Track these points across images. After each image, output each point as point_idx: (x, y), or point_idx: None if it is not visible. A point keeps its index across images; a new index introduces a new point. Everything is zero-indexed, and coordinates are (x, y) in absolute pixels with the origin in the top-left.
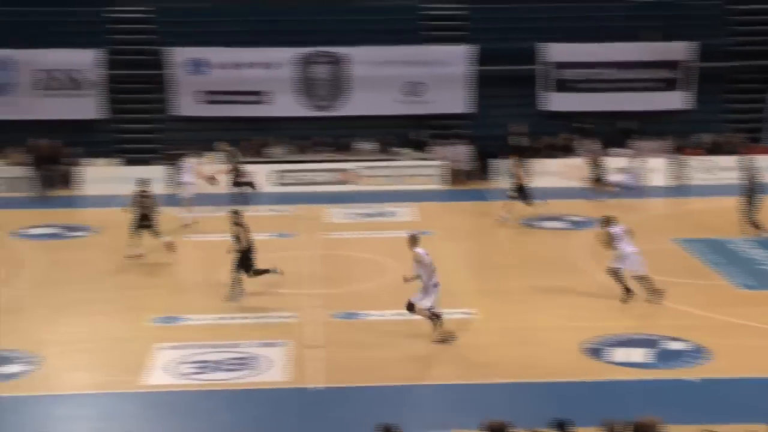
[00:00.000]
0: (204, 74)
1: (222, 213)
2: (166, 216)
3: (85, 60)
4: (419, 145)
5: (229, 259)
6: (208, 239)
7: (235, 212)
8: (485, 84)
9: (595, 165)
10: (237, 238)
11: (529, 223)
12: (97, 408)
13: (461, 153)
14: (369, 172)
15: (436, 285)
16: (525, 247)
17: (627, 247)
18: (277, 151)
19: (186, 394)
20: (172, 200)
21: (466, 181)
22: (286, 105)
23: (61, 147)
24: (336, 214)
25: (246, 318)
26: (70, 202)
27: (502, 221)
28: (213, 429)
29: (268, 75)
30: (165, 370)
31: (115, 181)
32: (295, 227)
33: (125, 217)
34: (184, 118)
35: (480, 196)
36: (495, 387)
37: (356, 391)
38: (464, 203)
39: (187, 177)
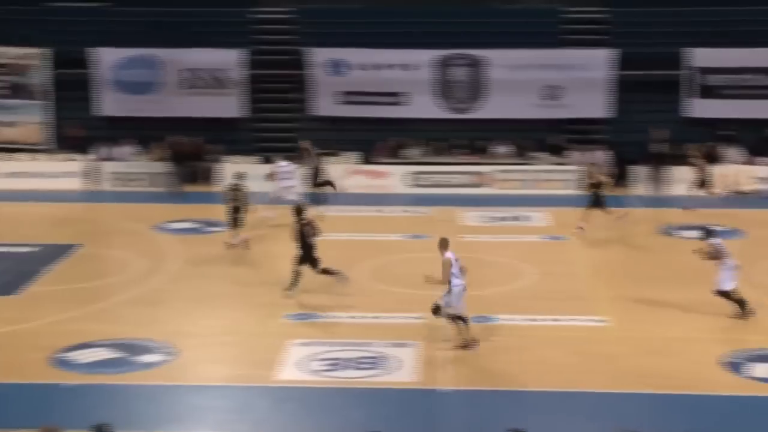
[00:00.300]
0: (343, 75)
1: (354, 213)
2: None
3: (229, 60)
4: (557, 150)
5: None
6: (342, 238)
7: (299, 209)
8: (625, 89)
9: (703, 171)
10: (300, 234)
11: (668, 232)
12: (230, 400)
13: (599, 158)
14: (504, 175)
15: (463, 289)
16: (661, 255)
17: (729, 260)
18: (412, 152)
19: (317, 390)
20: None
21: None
22: (423, 106)
23: (202, 144)
24: (470, 216)
25: (378, 317)
26: (210, 198)
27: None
28: (343, 426)
29: (406, 76)
30: (297, 366)
31: (254, 178)
32: (429, 229)
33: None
34: (322, 118)
35: (616, 202)
36: (628, 396)
37: (486, 394)
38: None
39: (286, 177)
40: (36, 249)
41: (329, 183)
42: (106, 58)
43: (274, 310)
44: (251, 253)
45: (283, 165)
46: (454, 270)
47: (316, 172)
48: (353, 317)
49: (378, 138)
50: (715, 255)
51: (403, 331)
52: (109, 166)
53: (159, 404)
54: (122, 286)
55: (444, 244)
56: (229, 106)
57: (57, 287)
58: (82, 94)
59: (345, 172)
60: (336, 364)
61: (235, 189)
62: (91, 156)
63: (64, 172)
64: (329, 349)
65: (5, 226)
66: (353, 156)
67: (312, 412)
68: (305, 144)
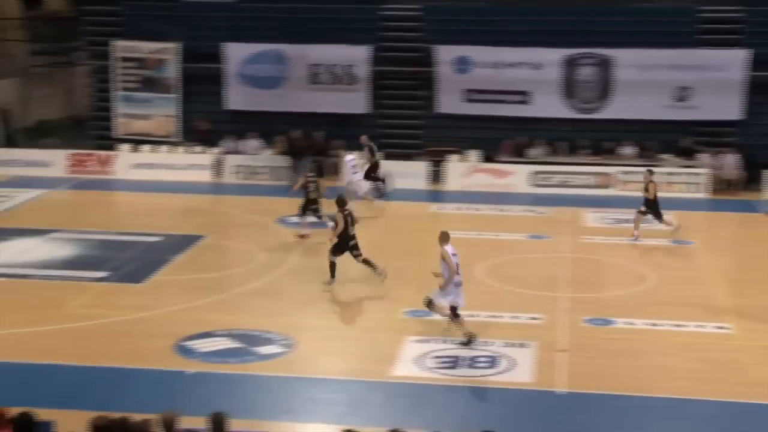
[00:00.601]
0: (468, 73)
1: (475, 211)
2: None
3: (356, 56)
4: (687, 153)
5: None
6: (462, 236)
7: (341, 200)
8: (756, 90)
9: None
10: (335, 224)
11: None
12: (345, 394)
13: (729, 161)
14: (629, 177)
15: (458, 284)
16: None
17: None
18: (536, 151)
19: (432, 387)
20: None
21: (732, 190)
22: (549, 106)
23: (322, 139)
24: (592, 218)
25: (495, 317)
26: (333, 193)
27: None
28: (457, 424)
29: (531, 75)
30: (413, 362)
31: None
32: (550, 229)
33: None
34: (446, 116)
35: (747, 207)
36: (755, 407)
37: (601, 398)
38: (729, 214)
39: (352, 172)
40: (163, 239)
41: (381, 180)
42: (235, 53)
43: (392, 305)
44: (371, 248)
45: (350, 159)
46: (449, 264)
47: (373, 167)
48: (471, 315)
49: (501, 137)
50: None
51: (521, 331)
52: (234, 159)
53: (275, 395)
54: (244, 278)
55: (444, 238)
56: (354, 102)
57: (181, 277)
58: (209, 88)
59: (467, 170)
60: (453, 361)
61: (309, 180)
62: (218, 149)
63: (192, 164)
64: (446, 346)
65: (135, 215)
66: (476, 154)
67: (425, 409)
68: (364, 139)
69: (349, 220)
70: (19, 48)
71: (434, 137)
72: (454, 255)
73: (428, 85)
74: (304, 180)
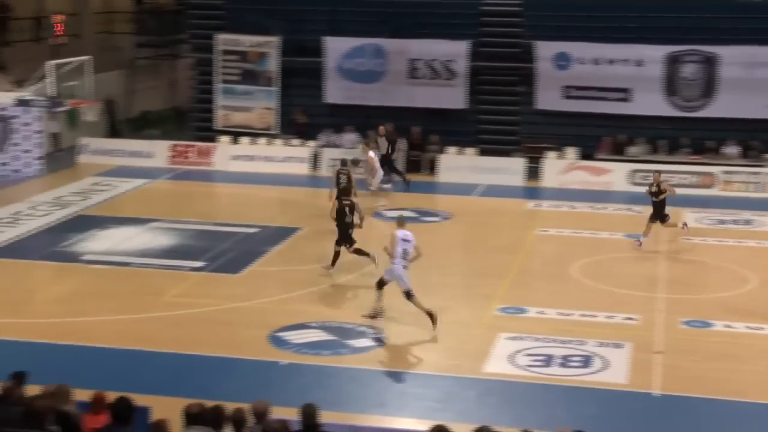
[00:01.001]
0: (568, 69)
1: (572, 209)
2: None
3: (456, 51)
4: None
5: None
6: (558, 234)
7: (345, 189)
8: None
9: None
10: (341, 214)
11: None
12: (436, 389)
13: None
14: (730, 177)
15: (405, 267)
16: None
17: None
18: (635, 150)
19: (523, 385)
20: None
21: None
22: (650, 103)
23: (418, 134)
24: (692, 218)
25: (589, 316)
26: (431, 188)
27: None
28: (547, 423)
29: (633, 72)
30: (506, 359)
31: (470, 170)
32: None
33: (477, 205)
34: (544, 112)
35: None
36: None
37: (697, 402)
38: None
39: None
40: (259, 230)
41: (400, 173)
42: (335, 47)
43: (486, 301)
44: (468, 243)
45: (372, 154)
46: (398, 248)
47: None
48: (564, 314)
49: (600, 134)
50: None
51: (616, 331)
52: (331, 153)
53: (367, 388)
54: (338, 270)
55: (400, 224)
56: (453, 97)
57: (277, 268)
58: (308, 81)
59: (565, 167)
60: (546, 360)
61: (342, 173)
62: (316, 142)
63: (289, 156)
64: (539, 344)
65: (233, 207)
66: (573, 151)
67: (516, 407)
68: (381, 129)
69: (347, 210)
70: (127, 41)
71: (531, 134)
72: (405, 241)
73: (527, 80)
74: (337, 172)
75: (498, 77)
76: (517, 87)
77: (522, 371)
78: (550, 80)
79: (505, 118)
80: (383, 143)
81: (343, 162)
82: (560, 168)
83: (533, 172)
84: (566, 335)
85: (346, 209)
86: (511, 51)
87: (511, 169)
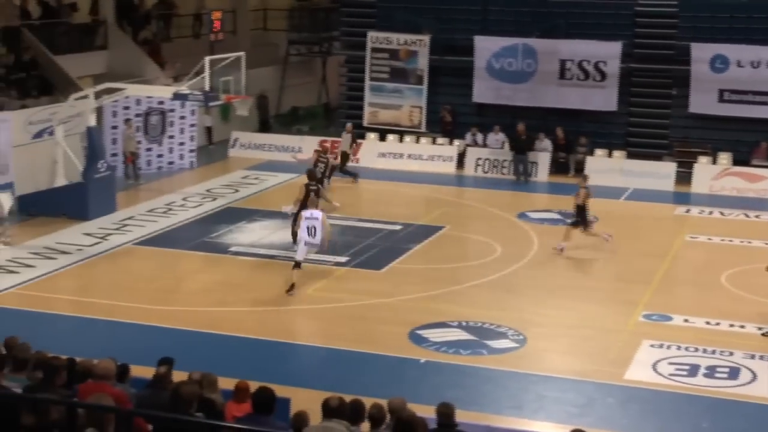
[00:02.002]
0: (724, 72)
1: (723, 216)
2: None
3: (608, 52)
4: None
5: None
6: (708, 241)
7: (312, 173)
8: None
9: None
10: (305, 198)
11: None
12: (574, 393)
13: None
14: None
15: (302, 239)
16: None
17: None
18: None
19: (666, 394)
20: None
21: None
22: None
23: (563, 135)
24: None
25: (739, 326)
26: (575, 190)
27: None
28: None
29: None
30: (649, 366)
31: (618, 172)
32: None
33: (625, 209)
34: (697, 116)
35: None
36: None
37: None
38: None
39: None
40: (403, 227)
41: (354, 175)
42: (485, 46)
43: (631, 307)
44: (614, 247)
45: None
46: (303, 224)
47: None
48: (711, 323)
49: (756, 139)
50: None
51: (765, 342)
52: (478, 152)
53: (504, 390)
54: (481, 270)
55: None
56: (604, 98)
57: (419, 266)
58: (455, 80)
59: (718, 172)
60: (690, 369)
61: (321, 160)
62: (462, 141)
63: (436, 155)
64: (684, 353)
65: (377, 203)
66: (727, 156)
67: (658, 416)
68: (349, 127)
69: (312, 195)
70: (281, 37)
71: (683, 137)
72: (312, 219)
73: (680, 83)
74: (316, 157)
75: (650, 79)
76: (669, 89)
77: (665, 380)
78: (706, 83)
79: (656, 121)
80: (347, 139)
81: (324, 149)
82: (712, 173)
83: (684, 177)
84: (713, 345)
85: (313, 194)
86: (665, 53)
87: (660, 173)
